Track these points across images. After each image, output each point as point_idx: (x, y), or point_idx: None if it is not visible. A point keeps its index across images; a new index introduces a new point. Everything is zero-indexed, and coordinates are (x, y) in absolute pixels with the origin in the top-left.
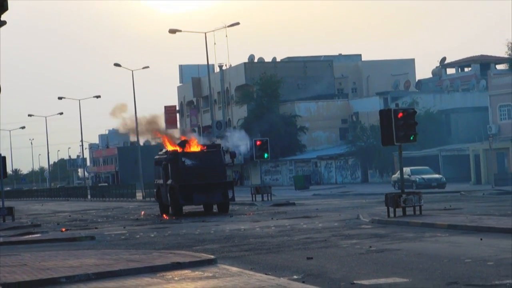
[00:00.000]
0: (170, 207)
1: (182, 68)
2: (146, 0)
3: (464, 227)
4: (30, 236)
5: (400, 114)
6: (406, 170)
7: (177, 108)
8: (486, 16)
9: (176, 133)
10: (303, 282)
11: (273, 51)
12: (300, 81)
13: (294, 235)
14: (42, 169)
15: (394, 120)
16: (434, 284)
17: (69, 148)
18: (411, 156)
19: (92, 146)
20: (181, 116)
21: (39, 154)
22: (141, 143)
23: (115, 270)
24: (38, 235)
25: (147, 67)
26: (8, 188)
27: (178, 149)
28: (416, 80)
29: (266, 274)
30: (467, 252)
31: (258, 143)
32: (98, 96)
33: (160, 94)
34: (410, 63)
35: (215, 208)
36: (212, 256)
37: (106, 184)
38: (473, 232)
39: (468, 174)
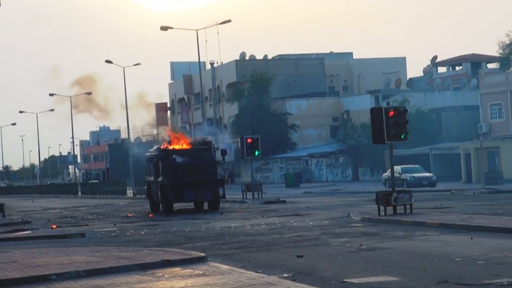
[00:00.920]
0: (160, 205)
1: (173, 65)
2: None
3: (455, 226)
4: (21, 233)
5: (391, 113)
6: (397, 168)
7: (168, 105)
8: (478, 15)
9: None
10: (294, 280)
11: (264, 48)
12: (291, 78)
13: (284, 233)
14: (33, 166)
15: (385, 118)
16: (424, 283)
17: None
18: (402, 154)
19: (83, 143)
20: (172, 113)
21: (30, 151)
22: (132, 139)
23: (105, 268)
24: (29, 232)
25: (139, 64)
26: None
27: (169, 146)
28: (407, 79)
29: (256, 272)
30: (457, 251)
31: (248, 140)
32: (89, 93)
33: (151, 91)
34: (401, 61)
35: (205, 205)
36: (203, 254)
37: (96, 181)
38: (464, 231)
39: (458, 172)
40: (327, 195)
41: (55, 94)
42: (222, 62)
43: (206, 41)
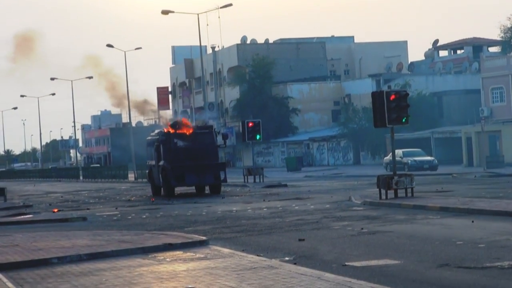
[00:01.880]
0: (162, 188)
1: (174, 49)
2: None
3: (456, 209)
4: (22, 216)
5: (393, 96)
6: (398, 152)
7: (170, 89)
8: None
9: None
10: (295, 263)
11: (265, 32)
12: (293, 62)
13: (286, 216)
14: (34, 150)
15: (386, 102)
16: (425, 266)
17: (61, 129)
18: (403, 138)
19: (84, 127)
20: (174, 97)
21: (32, 135)
22: (133, 123)
23: (107, 251)
24: (30, 215)
25: (140, 48)
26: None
27: (170, 130)
28: (409, 63)
29: (257, 255)
30: (458, 234)
31: (250, 124)
32: (90, 77)
33: (152, 75)
34: (403, 45)
35: (207, 189)
36: (204, 238)
37: (98, 165)
38: (465, 215)
39: (460, 156)
40: (329, 179)
41: (57, 78)
42: (223, 46)
43: (207, 25)
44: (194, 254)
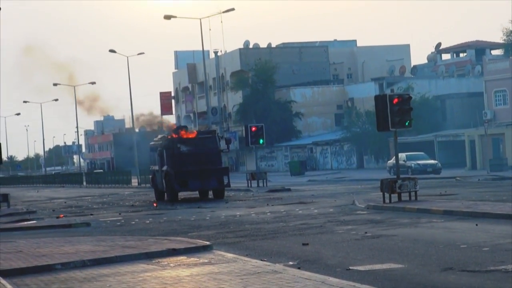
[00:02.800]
0: (165, 193)
1: (177, 54)
2: None
3: (460, 212)
4: (26, 222)
5: (396, 100)
6: (402, 155)
7: (173, 94)
8: (482, 1)
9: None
10: (299, 268)
11: (268, 37)
12: (295, 66)
13: (289, 221)
14: (37, 156)
15: (389, 105)
16: (429, 270)
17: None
18: (406, 141)
19: (87, 133)
20: (176, 102)
21: (35, 141)
22: (136, 129)
23: (110, 257)
24: (34, 221)
25: (142, 53)
26: (2, 175)
27: (174, 135)
28: (412, 66)
29: (261, 260)
30: (462, 238)
31: (253, 129)
32: (93, 83)
33: (155, 80)
34: (406, 48)
35: (210, 194)
36: (208, 242)
37: (101, 170)
38: (469, 218)
39: (463, 159)
40: (332, 182)
41: (59, 84)
42: (226, 51)
43: (210, 30)
44: (198, 259)
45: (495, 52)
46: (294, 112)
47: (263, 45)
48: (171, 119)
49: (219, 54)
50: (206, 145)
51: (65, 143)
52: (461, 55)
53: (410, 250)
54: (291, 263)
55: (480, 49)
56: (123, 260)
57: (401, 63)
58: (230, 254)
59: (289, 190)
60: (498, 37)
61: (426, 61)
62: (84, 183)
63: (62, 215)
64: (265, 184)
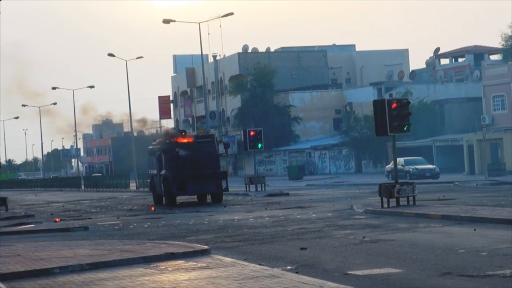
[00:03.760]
0: (163, 197)
1: (176, 58)
2: None
3: (458, 217)
4: (24, 226)
5: (394, 105)
6: (400, 160)
7: (171, 98)
8: (480, 6)
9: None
10: (297, 272)
11: (267, 41)
12: (294, 71)
13: (287, 225)
14: (36, 159)
15: (388, 110)
16: (427, 275)
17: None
18: (404, 146)
19: (85, 137)
20: (175, 106)
21: (33, 144)
22: (135, 133)
23: (108, 261)
24: (32, 225)
25: (141, 57)
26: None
27: (172, 139)
28: (410, 71)
29: (259, 264)
30: (460, 243)
31: (251, 133)
32: (92, 86)
33: (154, 84)
34: (404, 53)
35: (208, 198)
36: (206, 247)
37: (99, 174)
38: (467, 223)
39: (461, 164)
40: (330, 187)
41: (58, 88)
42: (224, 55)
43: (209, 34)
44: (196, 263)
45: (494, 57)
46: (293, 116)
47: (262, 49)
48: (169, 123)
49: (217, 58)
50: (205, 149)
51: (63, 147)
52: (460, 60)
53: (408, 255)
54: (289, 267)
55: (478, 54)
56: (121, 264)
57: (399, 68)
58: (228, 258)
59: (287, 194)
60: (496, 42)
61: (424, 66)
62: (82, 187)
63: (58, 219)
64: (263, 189)
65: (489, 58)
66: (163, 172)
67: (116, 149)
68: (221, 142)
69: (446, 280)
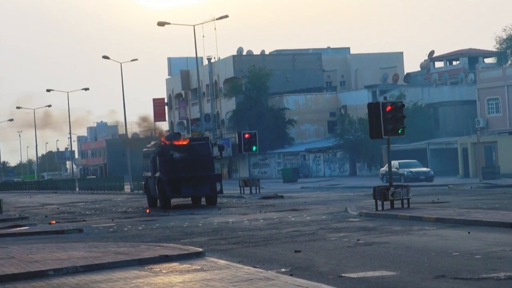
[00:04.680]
0: (158, 200)
1: (170, 61)
2: None
3: (452, 220)
4: (18, 228)
5: (389, 108)
6: (394, 163)
7: (166, 101)
8: (475, 9)
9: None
10: (291, 275)
11: (261, 44)
12: (289, 74)
13: (282, 228)
14: (30, 162)
15: (382, 113)
16: (421, 277)
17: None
18: (399, 149)
19: (80, 139)
20: (170, 108)
21: (27, 147)
22: (129, 135)
23: (103, 263)
24: (26, 227)
25: (136, 59)
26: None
27: (166, 142)
28: (405, 74)
29: (254, 267)
30: (454, 246)
31: (246, 136)
32: (86, 89)
33: (148, 86)
34: (399, 56)
35: (203, 200)
36: (200, 249)
37: (94, 176)
38: (461, 226)
39: (456, 167)
40: (325, 190)
41: (53, 90)
42: (219, 58)
43: (203, 36)
44: (190, 266)
45: (488, 60)
46: (287, 119)
47: (257, 52)
48: (164, 125)
49: (212, 60)
50: (199, 151)
51: (58, 149)
52: (454, 63)
53: (403, 258)
54: (283, 270)
55: (473, 57)
56: (115, 267)
57: (394, 70)
58: (222, 261)
59: (281, 197)
60: (491, 45)
61: (419, 69)
62: (77, 189)
63: (53, 222)
64: (258, 191)
65: (484, 61)
66: (157, 174)
67: (111, 151)
68: (215, 144)
69: (440, 283)
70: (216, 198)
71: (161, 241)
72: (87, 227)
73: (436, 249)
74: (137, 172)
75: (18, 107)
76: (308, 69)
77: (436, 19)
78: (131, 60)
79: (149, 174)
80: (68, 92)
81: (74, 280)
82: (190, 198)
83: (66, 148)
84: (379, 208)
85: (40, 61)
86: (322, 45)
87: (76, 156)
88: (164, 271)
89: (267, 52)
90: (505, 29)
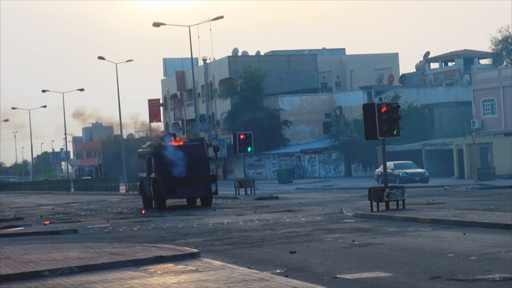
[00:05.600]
0: (153, 201)
1: (166, 62)
2: None
3: (447, 221)
4: (13, 229)
5: (384, 109)
6: (390, 164)
7: (161, 102)
8: (470, 11)
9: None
10: (286, 276)
11: (257, 44)
12: (284, 75)
13: (277, 229)
14: (25, 162)
15: (377, 114)
16: (416, 279)
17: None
18: (394, 150)
19: (75, 139)
20: (165, 109)
21: (23, 147)
22: (125, 136)
23: (98, 264)
24: (21, 228)
25: (131, 60)
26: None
27: (161, 142)
28: (400, 75)
29: (249, 268)
30: (450, 247)
31: (241, 136)
32: (81, 89)
33: (144, 87)
34: (394, 57)
35: (198, 201)
36: (195, 250)
37: (89, 177)
38: (456, 227)
39: (451, 168)
40: (320, 191)
41: (48, 91)
42: (214, 58)
43: (199, 37)
44: (185, 267)
45: (484, 61)
46: (282, 120)
47: (252, 53)
48: (159, 126)
49: (207, 61)
50: (194, 152)
51: (53, 149)
52: (450, 64)
53: (398, 259)
54: (278, 271)
55: (468, 58)
56: (110, 267)
57: (389, 71)
58: (217, 261)
59: (277, 198)
60: (486, 47)
61: (414, 70)
62: (72, 190)
63: (48, 222)
64: (253, 192)
65: (479, 63)
66: (153, 175)
67: (106, 152)
68: (211, 145)
69: (435, 284)
70: (211, 199)
71: (156, 242)
72: (82, 227)
73: (431, 250)
74: (132, 173)
75: (13, 108)
76: (304, 70)
77: (431, 20)
78: (127, 61)
79: (144, 175)
80: (63, 93)
81: (69, 280)
82: (185, 199)
83: (62, 149)
84: (374, 209)
85: (35, 61)
86: (318, 46)
87: (72, 156)
88: (159, 271)
89: (262, 53)
90: (500, 30)
